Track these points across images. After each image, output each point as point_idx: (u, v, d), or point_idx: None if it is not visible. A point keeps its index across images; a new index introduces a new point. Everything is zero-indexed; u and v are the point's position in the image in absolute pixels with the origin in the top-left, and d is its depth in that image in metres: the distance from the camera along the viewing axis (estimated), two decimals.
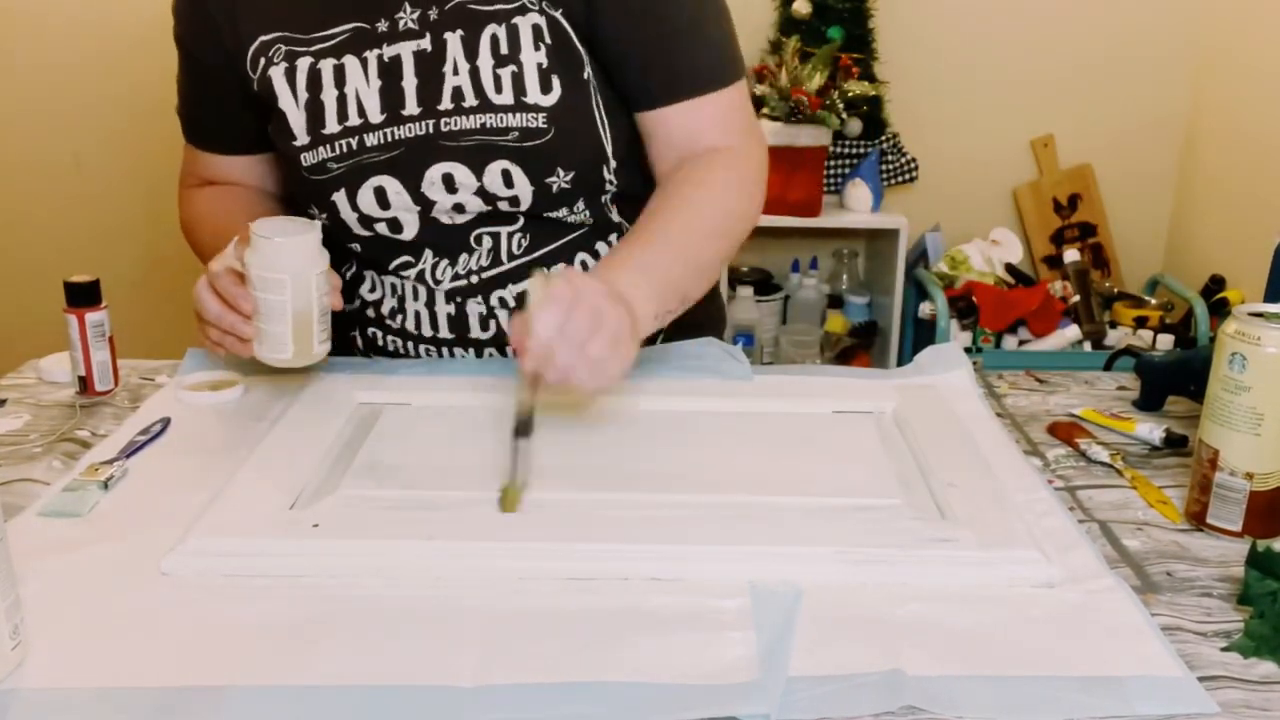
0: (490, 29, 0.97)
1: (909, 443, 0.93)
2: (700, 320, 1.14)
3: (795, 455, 0.90)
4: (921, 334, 2.54)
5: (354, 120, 0.98)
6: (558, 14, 0.98)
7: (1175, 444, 0.96)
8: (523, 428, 0.84)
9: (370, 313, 1.11)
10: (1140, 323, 2.49)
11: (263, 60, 1.01)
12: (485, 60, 0.97)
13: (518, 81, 0.97)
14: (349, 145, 0.99)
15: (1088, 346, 2.45)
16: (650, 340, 1.08)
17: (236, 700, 0.61)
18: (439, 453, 0.91)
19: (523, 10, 0.97)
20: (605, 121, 1.02)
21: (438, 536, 0.75)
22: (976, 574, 0.73)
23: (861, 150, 2.61)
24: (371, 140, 0.98)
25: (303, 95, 1.00)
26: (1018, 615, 0.70)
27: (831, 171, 2.61)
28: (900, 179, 2.66)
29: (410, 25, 0.98)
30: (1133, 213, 2.81)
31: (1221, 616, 0.71)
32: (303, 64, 0.99)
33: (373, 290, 1.10)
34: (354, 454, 0.89)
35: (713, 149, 1.01)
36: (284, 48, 1.00)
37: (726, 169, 1.01)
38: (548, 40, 0.98)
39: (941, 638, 0.67)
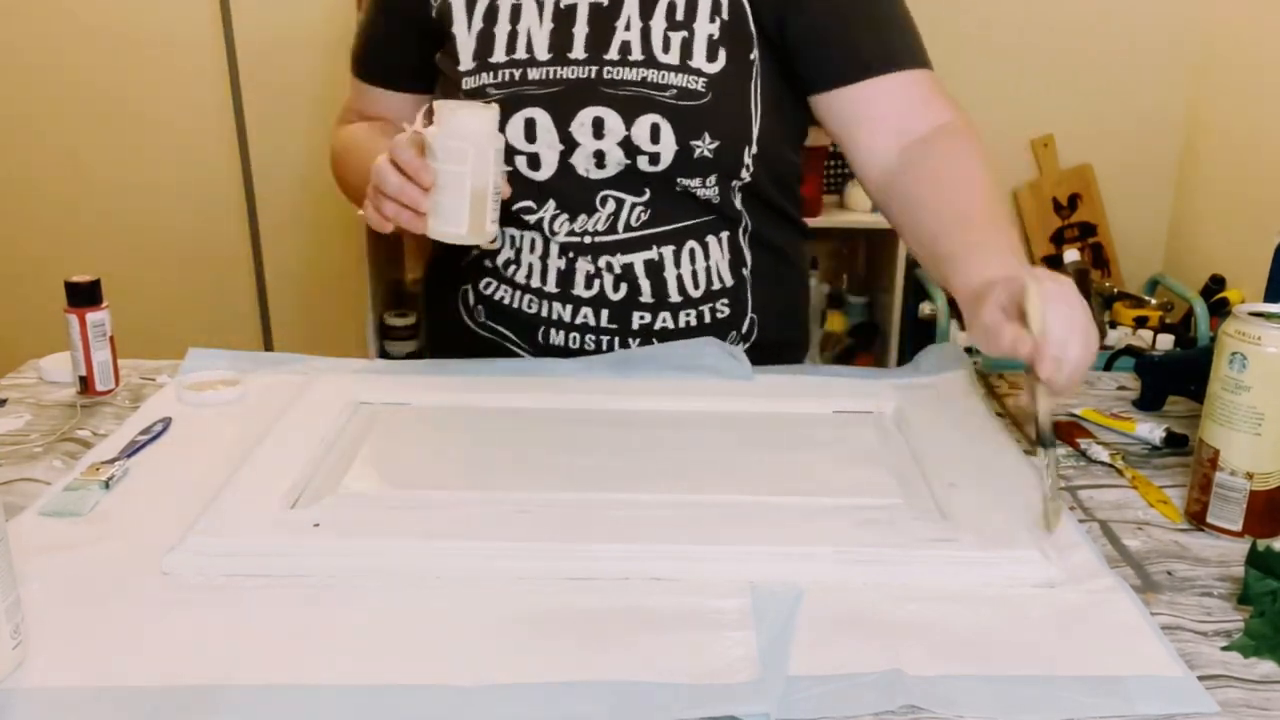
0: None
1: (909, 443, 0.93)
2: (802, 339, 1.20)
3: (795, 455, 0.90)
4: (921, 334, 2.53)
5: (520, 54, 1.02)
6: None
7: (1175, 444, 0.96)
8: (1049, 439, 0.80)
9: (487, 262, 1.12)
10: (1140, 323, 2.49)
11: None
12: (658, 22, 1.01)
13: (686, 46, 1.00)
14: (511, 75, 1.02)
15: None
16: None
17: (236, 700, 0.61)
18: (439, 452, 0.91)
19: None
20: (758, 107, 1.04)
21: (438, 536, 0.76)
22: (976, 574, 0.73)
23: None
24: (534, 75, 1.02)
25: (477, 25, 1.04)
26: (1018, 615, 0.70)
27: (831, 171, 2.61)
28: None
29: None
30: (1133, 213, 2.81)
31: (1221, 616, 0.71)
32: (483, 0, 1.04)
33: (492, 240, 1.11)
34: (354, 454, 0.89)
35: (939, 125, 1.02)
36: None
37: (967, 126, 1.02)
38: (724, 16, 1.01)
39: (941, 638, 0.67)
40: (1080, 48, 2.69)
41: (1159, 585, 0.75)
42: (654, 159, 1.02)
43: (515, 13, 1.03)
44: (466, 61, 1.04)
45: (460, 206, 0.90)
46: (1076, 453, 0.95)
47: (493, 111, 0.92)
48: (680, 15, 1.01)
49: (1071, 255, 2.60)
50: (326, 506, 0.81)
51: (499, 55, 1.03)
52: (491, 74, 1.03)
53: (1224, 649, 0.68)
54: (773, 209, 1.11)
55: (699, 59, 1.00)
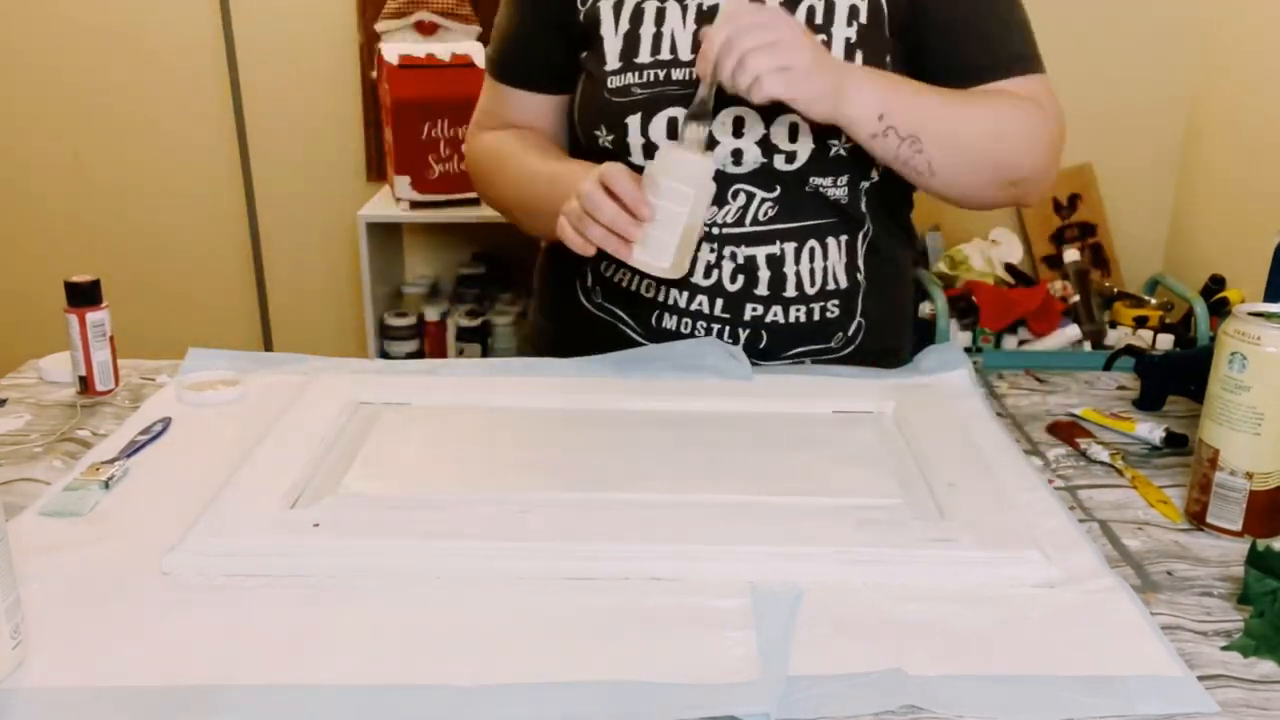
0: (809, 1, 1.03)
1: (909, 443, 0.93)
2: (905, 345, 1.20)
3: (795, 455, 0.90)
4: (921, 334, 2.53)
5: (664, 55, 1.04)
6: None
7: (1175, 444, 0.96)
8: (698, 112, 0.93)
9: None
10: (1140, 323, 2.49)
11: None
12: None
13: (825, 49, 1.01)
14: (656, 75, 1.04)
15: (1088, 346, 2.45)
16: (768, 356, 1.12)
17: (236, 700, 0.61)
18: (439, 452, 0.91)
19: None
20: None
21: (437, 536, 0.76)
22: (976, 574, 0.73)
23: None
24: (677, 75, 1.04)
25: (624, 26, 1.06)
26: (1018, 615, 0.70)
27: None
28: None
29: None
30: (1133, 213, 2.80)
31: (1221, 616, 0.71)
32: (630, 2, 1.06)
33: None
34: (354, 454, 0.89)
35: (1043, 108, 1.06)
36: None
37: (1036, 103, 1.06)
38: (862, 20, 1.03)
39: (941, 638, 0.67)
40: (1080, 47, 2.69)
41: (1159, 585, 0.75)
42: (790, 157, 1.05)
43: (660, 15, 1.05)
44: (613, 62, 1.06)
45: (670, 243, 0.94)
46: (1076, 453, 0.95)
47: (712, 159, 0.97)
48: (820, 18, 1.03)
49: (1071, 255, 2.60)
50: (326, 506, 0.81)
51: (644, 56, 1.05)
52: (637, 74, 1.05)
53: (1224, 649, 0.68)
54: (893, 218, 1.15)
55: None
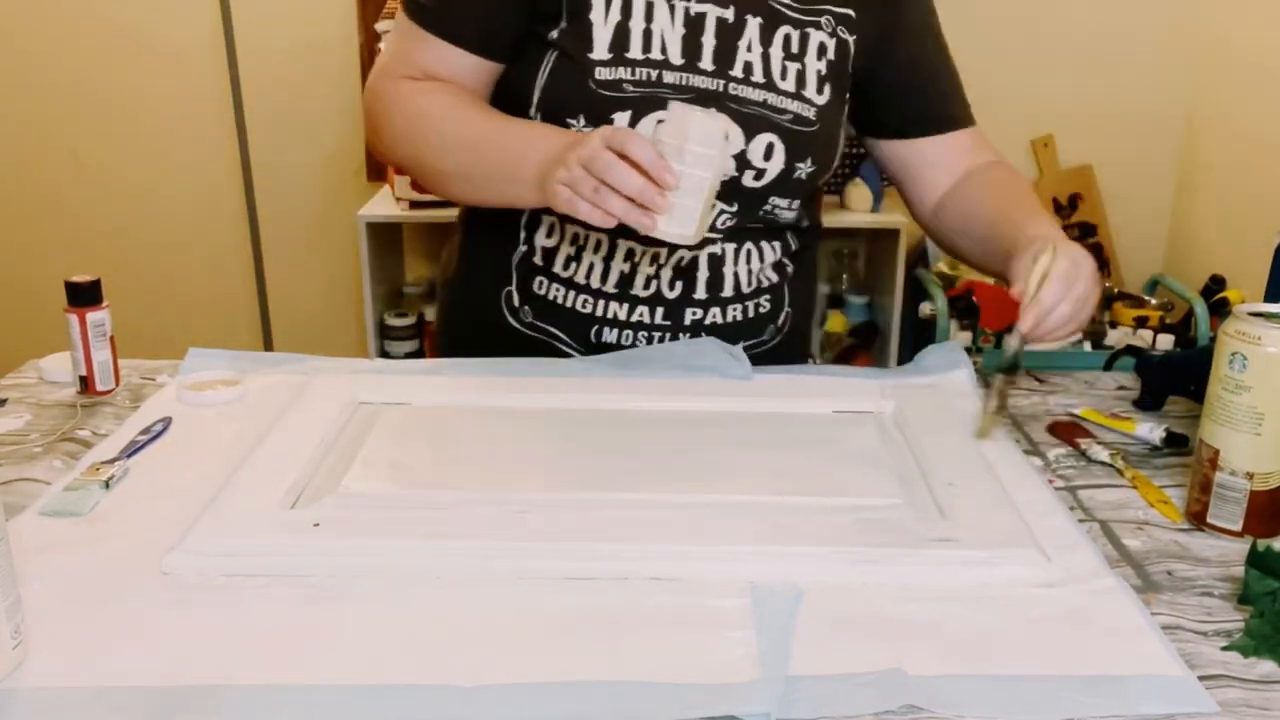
0: (785, 29, 1.05)
1: (909, 443, 0.93)
2: (806, 331, 1.23)
3: (795, 455, 0.90)
4: (921, 334, 2.53)
5: (656, 55, 1.02)
6: (850, 38, 1.08)
7: (1175, 444, 0.96)
8: (1011, 367, 0.94)
9: (539, 260, 1.10)
10: (1140, 323, 2.49)
11: None
12: (776, 51, 1.05)
13: (800, 77, 1.06)
14: (649, 75, 1.02)
15: (1088, 346, 2.45)
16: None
17: (236, 700, 0.61)
18: (439, 452, 0.91)
19: (816, 25, 1.06)
20: (839, 144, 1.12)
21: (437, 536, 0.75)
22: (976, 574, 0.73)
23: (861, 150, 2.61)
24: (670, 78, 1.03)
25: (614, 16, 1.02)
26: (1018, 615, 0.70)
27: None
28: None
29: None
30: (1133, 213, 2.81)
31: (1222, 616, 0.71)
32: None
33: (549, 236, 1.10)
34: (354, 454, 0.89)
35: (990, 162, 1.15)
36: None
37: (1019, 174, 1.16)
38: (830, 57, 1.07)
39: (941, 637, 0.67)
40: (1080, 48, 2.69)
41: (1159, 585, 0.75)
42: (759, 174, 1.05)
43: (649, 11, 1.03)
44: (601, 52, 1.01)
45: (695, 210, 0.89)
46: (1076, 453, 0.95)
47: (727, 120, 0.92)
48: (795, 48, 1.05)
49: None
50: (326, 506, 0.81)
51: (635, 52, 1.02)
52: (629, 69, 1.02)
53: (1224, 649, 0.67)
54: (812, 213, 1.18)
55: (811, 91, 1.06)
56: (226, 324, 2.83)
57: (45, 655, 0.64)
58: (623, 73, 1.02)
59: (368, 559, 0.74)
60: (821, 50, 1.06)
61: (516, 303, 1.12)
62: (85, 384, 1.04)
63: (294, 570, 0.73)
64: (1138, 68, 2.70)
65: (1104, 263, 2.80)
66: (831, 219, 2.52)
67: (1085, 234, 2.79)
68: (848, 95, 1.11)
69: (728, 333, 1.11)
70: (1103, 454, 0.93)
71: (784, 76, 1.05)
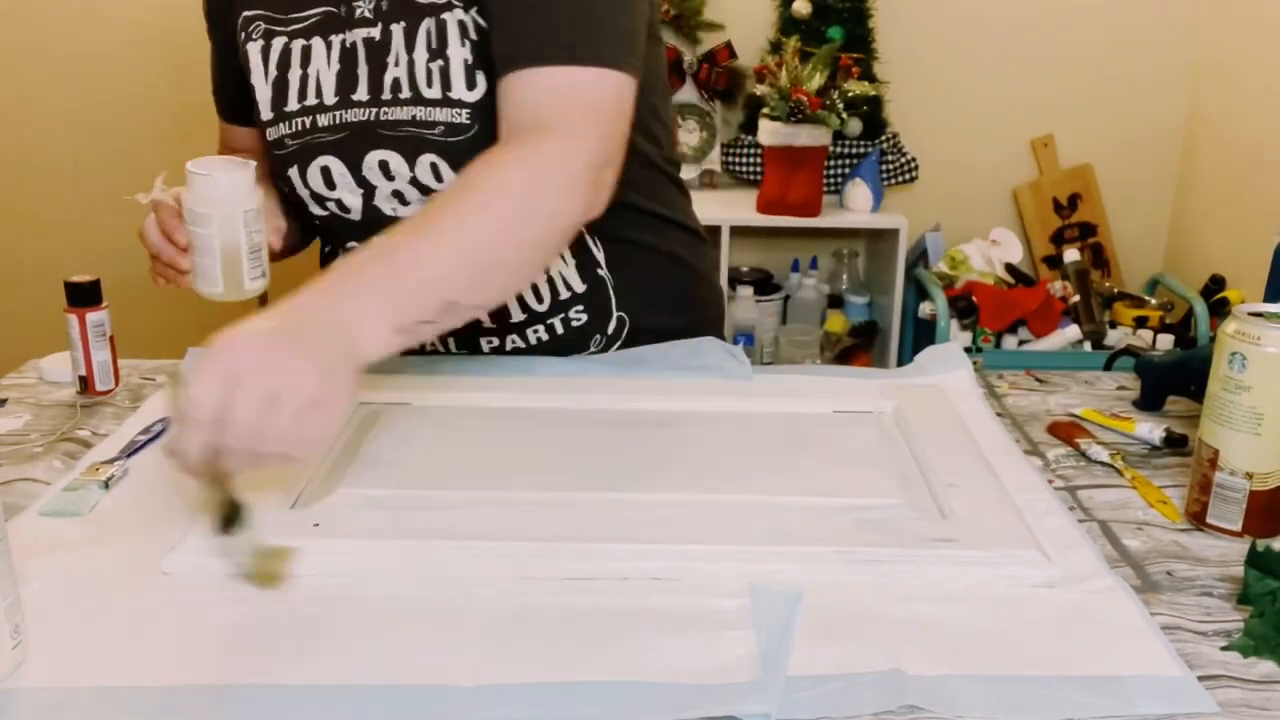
0: (426, 23, 0.96)
1: (909, 443, 0.93)
2: (700, 322, 1.14)
3: (795, 455, 0.90)
4: (921, 334, 2.54)
5: (311, 100, 1.00)
6: (473, 12, 0.95)
7: (1175, 444, 0.96)
8: (227, 522, 0.69)
9: None
10: (1140, 323, 2.49)
11: (243, 35, 1.03)
12: (420, 54, 0.97)
13: (444, 76, 0.96)
14: (304, 124, 1.00)
15: (1088, 346, 2.45)
16: (620, 344, 1.09)
17: (236, 700, 0.61)
18: (439, 452, 0.91)
19: (449, 7, 0.96)
20: None
21: (437, 536, 0.75)
22: (976, 574, 0.73)
23: (861, 150, 2.61)
24: (323, 121, 1.00)
25: (272, 73, 1.01)
26: (1018, 615, 0.70)
27: (831, 171, 2.61)
28: (900, 179, 2.66)
29: (366, 14, 0.99)
30: (1133, 213, 2.81)
31: (1221, 616, 0.71)
32: (277, 43, 1.01)
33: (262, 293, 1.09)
34: (354, 453, 0.89)
35: (540, 127, 0.87)
36: (263, 25, 1.02)
37: (540, 154, 0.86)
38: (473, 36, 0.95)
39: (941, 637, 0.67)
40: (1080, 48, 2.69)
41: (1159, 585, 0.75)
42: None
43: (306, 55, 1.00)
44: (265, 112, 1.01)
45: (213, 267, 0.91)
46: (1076, 453, 0.95)
47: (247, 170, 0.90)
48: (435, 43, 0.96)
49: (1071, 255, 2.60)
50: (326, 506, 0.81)
51: (292, 103, 1.00)
52: (287, 124, 1.01)
53: (1224, 649, 0.68)
54: (629, 206, 1.03)
55: (459, 88, 0.95)
56: (226, 324, 2.82)
57: (45, 655, 0.64)
58: (283, 128, 1.01)
59: (368, 559, 0.74)
60: (463, 31, 0.95)
61: None
62: (85, 384, 1.04)
63: (294, 570, 0.73)
64: (1138, 68, 2.70)
65: (1104, 263, 2.80)
66: (831, 219, 2.54)
67: (1085, 234, 2.80)
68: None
69: (541, 353, 1.08)
70: (1102, 454, 0.93)
71: (430, 83, 0.96)
